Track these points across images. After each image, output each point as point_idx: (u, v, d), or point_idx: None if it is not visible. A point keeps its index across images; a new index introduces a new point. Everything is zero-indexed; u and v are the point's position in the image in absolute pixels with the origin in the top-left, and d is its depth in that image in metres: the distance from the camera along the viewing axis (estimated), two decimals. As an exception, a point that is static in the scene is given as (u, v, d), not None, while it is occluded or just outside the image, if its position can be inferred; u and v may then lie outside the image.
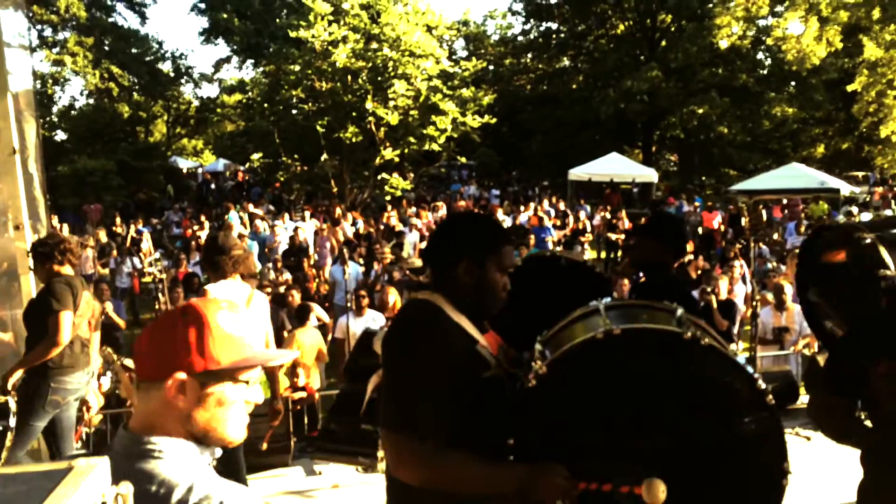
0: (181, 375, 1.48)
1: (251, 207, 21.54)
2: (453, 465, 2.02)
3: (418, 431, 1.98)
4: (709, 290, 8.84)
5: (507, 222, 18.20)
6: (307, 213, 19.57)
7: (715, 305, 8.63)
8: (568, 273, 3.51)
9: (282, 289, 10.69)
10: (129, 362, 8.83)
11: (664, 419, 2.06)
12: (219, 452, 1.58)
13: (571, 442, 2.10)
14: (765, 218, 19.12)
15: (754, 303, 8.51)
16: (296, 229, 15.90)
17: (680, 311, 2.29)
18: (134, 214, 23.73)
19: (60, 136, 34.74)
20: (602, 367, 2.10)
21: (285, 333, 8.03)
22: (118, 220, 20.42)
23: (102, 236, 17.21)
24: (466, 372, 2.07)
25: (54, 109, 36.39)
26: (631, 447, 2.06)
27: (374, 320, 8.26)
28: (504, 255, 2.20)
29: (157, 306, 6.90)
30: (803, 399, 6.94)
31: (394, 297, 8.44)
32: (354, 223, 18.34)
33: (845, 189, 20.27)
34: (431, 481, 2.02)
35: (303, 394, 6.70)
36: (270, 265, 13.94)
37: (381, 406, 2.08)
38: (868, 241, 2.88)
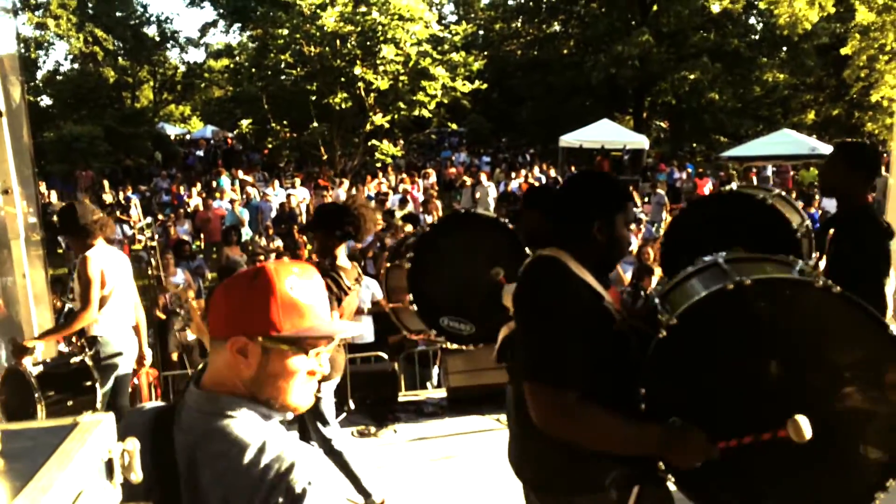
0: (242, 338, 1.46)
1: (241, 174, 21.40)
2: (594, 417, 2.05)
3: (559, 381, 2.03)
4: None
5: (497, 189, 18.17)
6: (297, 181, 19.47)
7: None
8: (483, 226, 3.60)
9: (273, 256, 10.68)
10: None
11: (794, 369, 2.10)
12: (290, 415, 1.56)
13: (703, 393, 2.14)
14: (756, 184, 19.16)
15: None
16: (288, 196, 15.83)
17: (800, 264, 2.36)
18: (122, 181, 23.54)
19: (46, 101, 34.27)
20: (732, 318, 2.14)
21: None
22: (107, 186, 20.25)
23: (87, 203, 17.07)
24: (597, 326, 2.13)
25: (39, 74, 35.85)
26: (763, 397, 2.09)
27: (367, 287, 8.25)
28: (628, 211, 2.32)
29: (149, 272, 6.87)
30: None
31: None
32: (350, 188, 18.26)
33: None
34: (570, 433, 2.06)
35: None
36: (262, 232, 13.90)
37: (518, 358, 2.14)
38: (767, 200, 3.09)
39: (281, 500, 1.35)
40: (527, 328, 2.16)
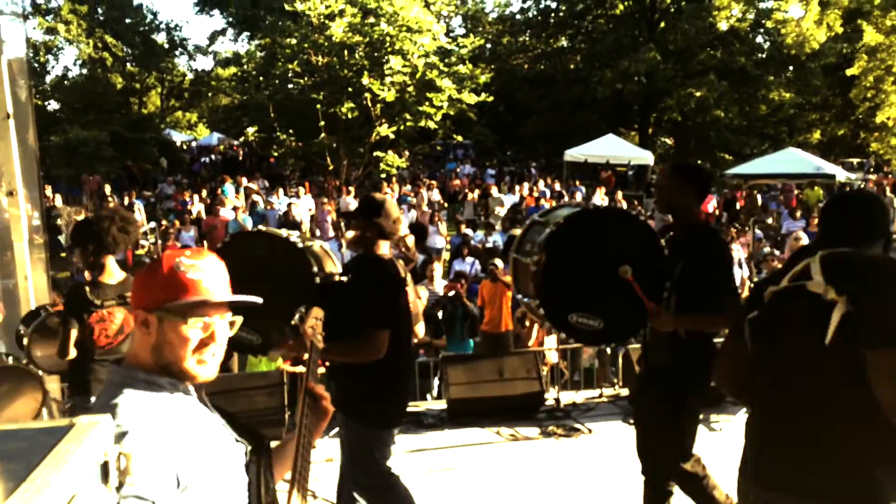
0: (142, 311, 1.72)
1: (245, 182, 21.43)
2: None
3: None
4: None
5: (506, 202, 18.16)
6: (301, 190, 19.49)
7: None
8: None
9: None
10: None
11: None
12: (191, 389, 1.77)
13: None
14: (760, 202, 19.13)
15: (751, 285, 8.54)
16: (289, 205, 15.84)
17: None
18: (127, 186, 23.58)
19: (53, 105, 34.41)
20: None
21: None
22: (108, 191, 20.29)
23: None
24: None
25: (48, 79, 36.00)
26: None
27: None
28: None
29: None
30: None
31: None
32: (357, 197, 18.28)
33: (841, 175, 20.25)
34: None
35: (301, 368, 6.69)
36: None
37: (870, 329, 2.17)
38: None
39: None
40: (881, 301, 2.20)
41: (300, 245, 3.79)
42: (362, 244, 3.77)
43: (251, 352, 4.38)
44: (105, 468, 1.16)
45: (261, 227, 4.25)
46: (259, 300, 1.79)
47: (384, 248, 3.77)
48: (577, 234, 3.51)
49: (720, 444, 5.65)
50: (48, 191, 18.31)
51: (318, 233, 15.53)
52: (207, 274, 1.74)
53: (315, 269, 3.67)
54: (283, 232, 3.99)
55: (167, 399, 1.70)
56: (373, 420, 3.68)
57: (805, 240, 11.31)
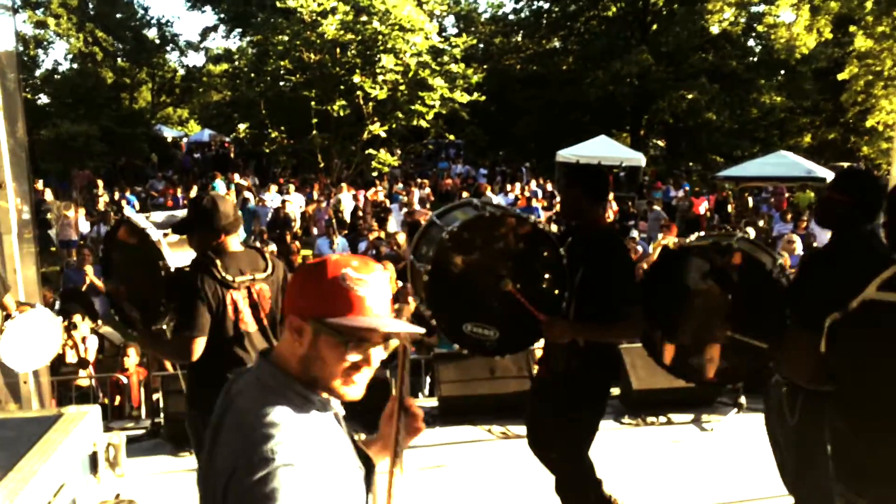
0: (297, 318, 1.58)
1: (237, 178, 21.34)
2: None
3: None
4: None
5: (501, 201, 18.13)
6: (292, 187, 19.44)
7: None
8: None
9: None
10: (104, 330, 8.72)
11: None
12: (337, 405, 1.68)
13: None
14: (751, 205, 19.18)
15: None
16: (283, 202, 15.78)
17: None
18: (118, 182, 23.45)
19: (44, 100, 34.18)
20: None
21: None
22: (101, 186, 20.17)
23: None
24: None
25: (37, 73, 35.76)
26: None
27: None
28: None
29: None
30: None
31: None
32: (356, 197, 18.25)
33: (831, 178, 20.33)
34: None
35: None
36: (257, 236, 13.84)
37: None
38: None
39: (256, 477, 1.42)
40: None
41: (154, 238, 3.75)
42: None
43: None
44: (94, 458, 1.13)
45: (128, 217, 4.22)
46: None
47: (231, 244, 3.59)
48: (469, 242, 3.36)
49: (712, 445, 5.66)
50: (39, 185, 18.18)
51: (314, 231, 15.47)
52: (374, 291, 1.58)
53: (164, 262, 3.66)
54: (142, 223, 3.91)
55: (317, 418, 1.62)
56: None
57: (799, 243, 11.37)
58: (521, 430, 6.10)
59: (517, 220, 3.47)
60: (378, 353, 1.62)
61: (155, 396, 6.24)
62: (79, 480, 1.04)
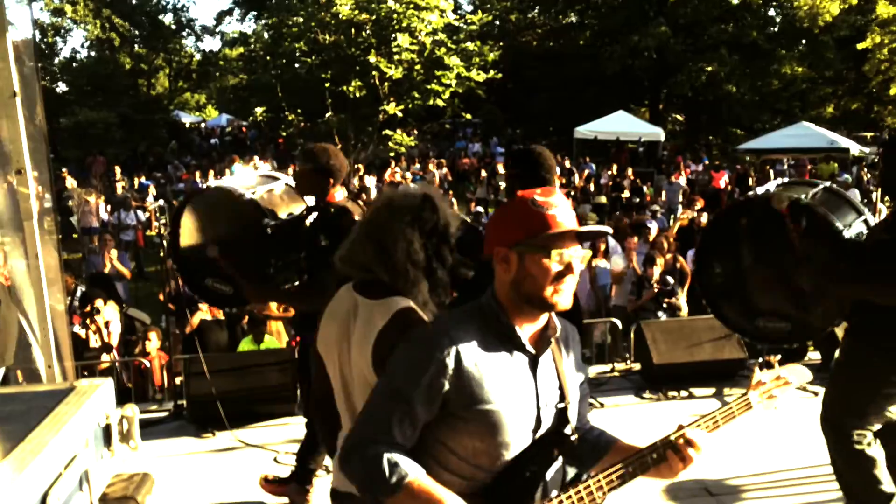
0: (503, 248, 1.85)
1: (257, 160, 21.41)
2: None
3: None
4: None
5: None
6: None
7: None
8: None
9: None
10: (133, 312, 8.82)
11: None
12: (546, 358, 1.94)
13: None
14: (772, 177, 18.94)
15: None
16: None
17: None
18: (137, 168, 23.61)
19: (62, 87, 34.43)
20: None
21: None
22: (118, 172, 20.32)
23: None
24: None
25: (56, 61, 35.98)
26: None
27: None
28: None
29: (160, 254, 6.84)
30: (811, 356, 6.96)
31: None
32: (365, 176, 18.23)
33: (854, 149, 20.03)
34: None
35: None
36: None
37: None
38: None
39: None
40: None
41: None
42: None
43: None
44: (107, 431, 1.14)
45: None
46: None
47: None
48: (205, 211, 4.03)
49: (734, 420, 5.64)
50: (63, 173, 18.37)
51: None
52: (560, 208, 1.85)
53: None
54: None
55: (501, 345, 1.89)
56: None
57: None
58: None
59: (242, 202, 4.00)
60: (577, 261, 1.85)
61: (178, 380, 6.30)
62: (91, 453, 1.05)
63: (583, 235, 1.90)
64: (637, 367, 6.84)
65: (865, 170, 18.14)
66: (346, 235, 2.33)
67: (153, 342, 7.39)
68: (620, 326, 7.65)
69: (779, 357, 6.10)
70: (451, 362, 1.79)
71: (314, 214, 3.93)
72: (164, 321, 7.50)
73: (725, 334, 6.10)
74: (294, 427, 5.43)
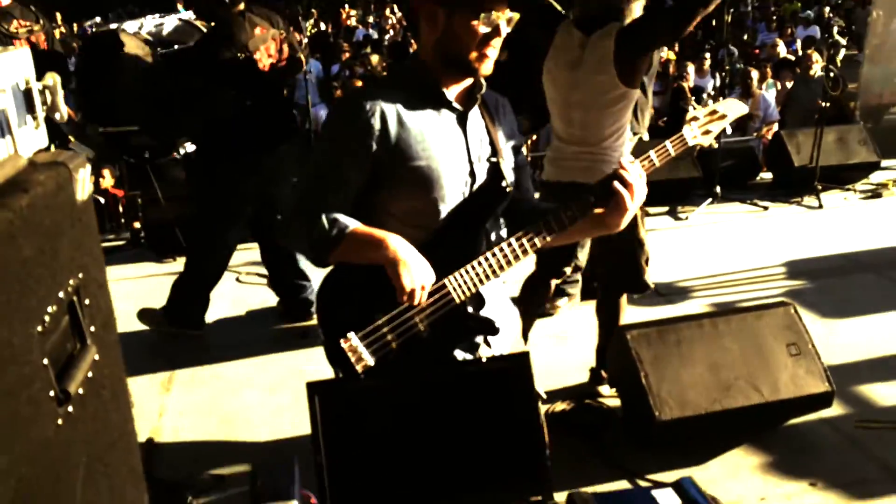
0: (430, 3, 1.79)
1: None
2: None
3: None
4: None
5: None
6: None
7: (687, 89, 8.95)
8: None
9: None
10: (75, 145, 8.54)
11: None
12: (475, 116, 1.97)
13: None
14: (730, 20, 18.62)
15: (725, 91, 8.48)
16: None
17: None
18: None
19: None
20: None
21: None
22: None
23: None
24: None
25: None
26: None
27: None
28: None
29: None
30: (763, 175, 7.11)
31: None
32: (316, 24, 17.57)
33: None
34: None
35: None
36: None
37: None
38: None
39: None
40: None
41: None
42: None
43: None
44: (28, 95, 1.10)
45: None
46: None
47: None
48: None
49: (685, 231, 5.81)
50: None
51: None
52: None
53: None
54: None
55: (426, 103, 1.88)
56: None
57: (782, 46, 11.16)
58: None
59: None
60: (504, 26, 1.79)
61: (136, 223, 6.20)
62: (9, 100, 1.02)
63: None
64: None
65: (828, 8, 17.87)
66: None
67: (107, 179, 7.24)
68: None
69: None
70: (376, 123, 1.79)
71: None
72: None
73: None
74: (254, 250, 5.46)
